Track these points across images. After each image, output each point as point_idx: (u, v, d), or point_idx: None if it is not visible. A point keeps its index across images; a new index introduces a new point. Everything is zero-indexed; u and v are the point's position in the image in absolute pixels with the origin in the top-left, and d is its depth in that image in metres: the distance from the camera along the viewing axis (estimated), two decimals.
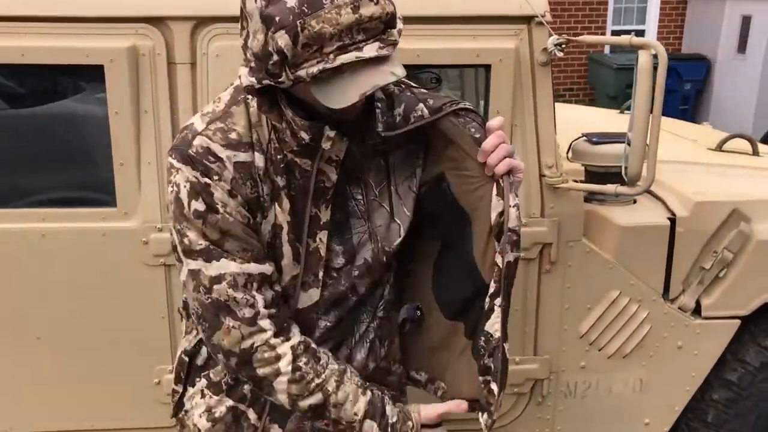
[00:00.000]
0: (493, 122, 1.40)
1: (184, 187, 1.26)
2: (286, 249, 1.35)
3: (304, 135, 1.28)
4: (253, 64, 1.20)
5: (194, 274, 1.28)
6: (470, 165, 1.41)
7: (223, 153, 1.26)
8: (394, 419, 1.39)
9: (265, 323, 1.31)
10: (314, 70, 1.13)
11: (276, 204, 1.33)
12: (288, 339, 1.33)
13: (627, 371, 2.39)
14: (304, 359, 1.33)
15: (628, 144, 2.10)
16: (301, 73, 1.15)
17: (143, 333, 2.18)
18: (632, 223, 2.24)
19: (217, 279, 1.27)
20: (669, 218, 2.28)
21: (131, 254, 2.11)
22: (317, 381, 1.33)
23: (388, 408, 1.40)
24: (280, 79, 1.17)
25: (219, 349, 1.31)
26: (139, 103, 2.02)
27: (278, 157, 1.32)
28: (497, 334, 1.42)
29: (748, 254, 2.29)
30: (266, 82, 1.19)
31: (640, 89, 1.88)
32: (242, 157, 1.28)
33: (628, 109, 3.85)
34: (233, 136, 1.29)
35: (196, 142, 1.27)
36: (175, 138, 1.32)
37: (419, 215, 1.52)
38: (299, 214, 1.34)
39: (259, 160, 1.30)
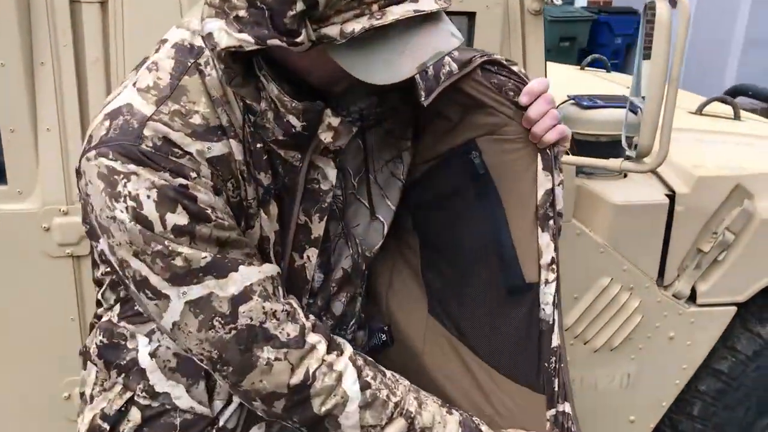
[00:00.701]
0: (536, 84, 1.09)
1: (148, 197, 0.88)
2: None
3: (295, 121, 0.93)
4: (243, 13, 0.83)
5: (203, 303, 0.93)
6: (510, 129, 1.12)
7: (191, 146, 0.91)
8: None
9: (314, 338, 0.98)
10: (354, 27, 0.79)
11: (262, 209, 0.99)
12: (342, 351, 1.02)
13: (614, 366, 2.13)
14: (369, 372, 1.02)
15: (632, 110, 1.80)
16: (331, 31, 0.80)
17: (49, 339, 1.77)
18: (628, 201, 1.95)
19: (244, 296, 0.93)
20: (667, 195, 2.01)
21: (29, 243, 1.68)
22: (394, 399, 1.02)
23: (484, 429, 1.09)
24: (297, 40, 0.81)
25: (257, 394, 0.99)
26: (33, 52, 1.58)
27: (257, 146, 0.97)
28: (557, 342, 1.12)
29: (749, 235, 2.05)
30: (274, 42, 0.82)
31: (658, 46, 1.56)
32: (217, 149, 0.93)
33: (590, 65, 3.58)
34: (197, 120, 0.93)
35: (148, 132, 0.90)
36: (98, 127, 0.92)
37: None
38: (285, 222, 1.01)
39: (237, 150, 0.95)
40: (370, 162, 1.14)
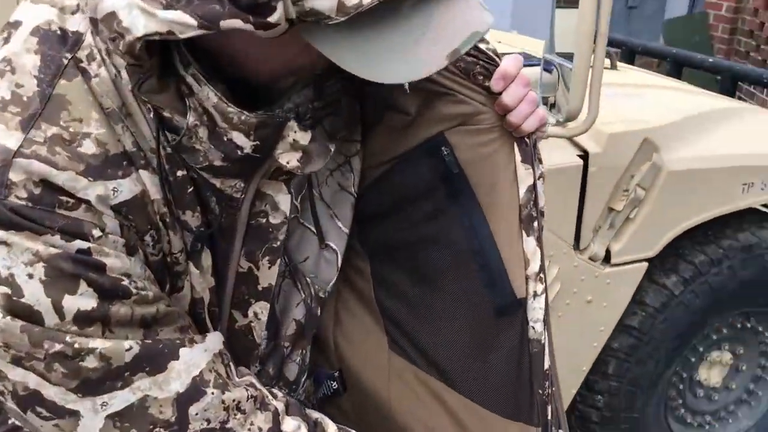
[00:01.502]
0: (509, 65, 0.88)
1: (30, 277, 0.60)
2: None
3: (243, 141, 0.67)
4: None
5: (135, 414, 0.67)
6: (484, 118, 0.91)
7: (88, 190, 0.61)
8: None
9: (292, 424, 0.75)
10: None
11: (192, 263, 0.72)
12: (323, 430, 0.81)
13: None
14: None
15: (546, 69, 1.66)
16: (323, 3, 0.55)
17: None
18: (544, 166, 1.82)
19: (193, 391, 0.68)
20: (578, 156, 1.90)
21: None
22: None
23: None
24: (271, 19, 0.55)
25: None
26: None
27: (178, 173, 0.69)
28: (548, 363, 0.95)
29: (658, 189, 2.00)
30: (232, 23, 0.56)
31: None
32: (125, 189, 0.64)
33: None
34: (89, 148, 0.63)
35: (16, 175, 0.60)
36: None
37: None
38: (221, 272, 0.75)
39: (153, 186, 0.67)
40: (313, 174, 0.89)
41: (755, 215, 2.25)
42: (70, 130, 0.63)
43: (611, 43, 4.02)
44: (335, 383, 1.00)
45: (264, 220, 0.76)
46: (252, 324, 0.80)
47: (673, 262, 2.20)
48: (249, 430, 0.71)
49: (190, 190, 0.70)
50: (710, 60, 3.72)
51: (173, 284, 0.73)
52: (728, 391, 2.54)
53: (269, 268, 0.78)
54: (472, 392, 0.94)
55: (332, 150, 0.75)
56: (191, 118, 0.66)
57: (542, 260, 0.96)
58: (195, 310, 0.75)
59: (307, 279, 0.89)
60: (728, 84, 3.46)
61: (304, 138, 0.70)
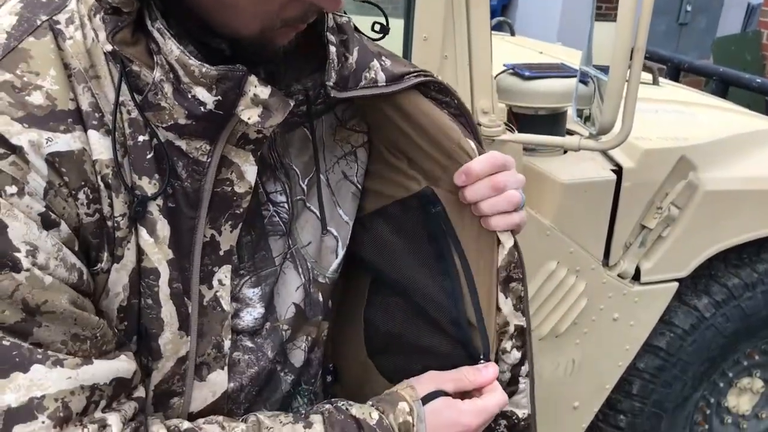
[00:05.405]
0: (476, 164, 0.87)
1: None
2: (167, 312, 0.72)
3: (205, 95, 0.67)
4: None
5: None
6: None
7: (21, 136, 0.62)
8: (375, 416, 0.81)
9: None
10: None
11: (141, 232, 0.69)
12: None
13: (559, 353, 2.00)
14: None
15: (582, 81, 1.64)
16: None
17: None
18: (576, 179, 1.80)
19: (25, 412, 0.61)
20: (612, 170, 1.88)
21: None
22: None
23: (354, 410, 0.81)
24: None
25: None
26: None
27: (140, 138, 0.68)
28: (526, 413, 0.93)
29: (693, 208, 1.96)
30: None
31: (624, 8, 1.39)
32: (63, 142, 0.64)
33: (493, 28, 3.43)
34: (36, 98, 0.64)
35: None
36: None
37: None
38: (184, 244, 0.72)
39: (99, 145, 0.66)
40: (321, 158, 0.89)
41: None
42: (24, 79, 0.64)
43: (656, 59, 3.96)
44: (330, 377, 1.02)
45: (229, 189, 0.74)
46: (218, 293, 0.77)
47: (705, 283, 2.15)
48: None
49: (150, 155, 0.69)
50: (758, 80, 3.63)
51: (112, 252, 0.69)
52: (758, 420, 2.47)
53: (231, 231, 0.76)
54: None
55: (291, 105, 0.73)
56: (157, 73, 0.67)
57: (527, 323, 0.94)
58: (147, 281, 0.71)
59: (308, 264, 0.89)
60: None
61: (263, 92, 0.69)
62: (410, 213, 0.92)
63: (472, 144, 0.88)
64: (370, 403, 0.83)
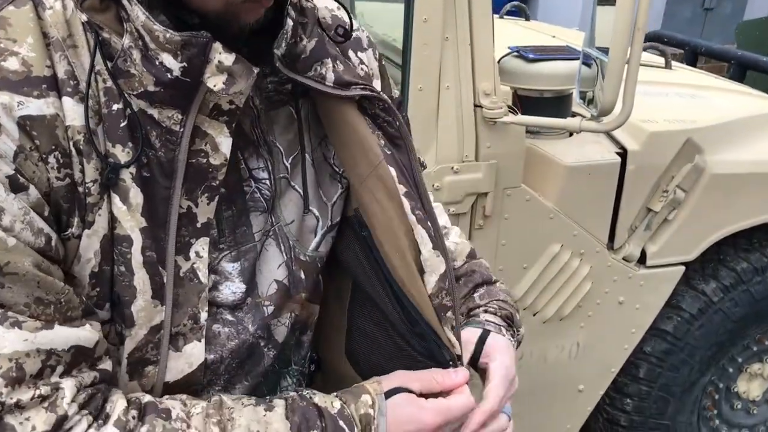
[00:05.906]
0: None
1: None
2: (139, 279, 0.73)
3: (171, 62, 0.69)
4: None
5: None
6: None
7: None
8: (337, 406, 0.81)
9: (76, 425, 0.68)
10: None
11: (114, 199, 0.71)
12: (107, 417, 0.71)
13: (563, 335, 2.01)
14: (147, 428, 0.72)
15: (585, 63, 1.64)
16: None
17: None
18: (580, 161, 1.80)
19: None
20: (617, 153, 1.87)
21: None
22: None
23: (317, 398, 0.81)
24: None
25: None
26: None
27: (114, 107, 0.70)
28: None
29: (699, 191, 1.95)
30: None
31: None
32: (35, 107, 0.66)
33: (509, 13, 3.41)
34: (11, 64, 0.66)
35: None
36: None
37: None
38: (159, 214, 0.73)
39: (72, 112, 0.68)
40: (306, 137, 0.90)
41: None
42: (0, 45, 0.66)
43: (674, 43, 3.91)
44: (313, 365, 1.03)
45: (204, 160, 0.75)
46: (195, 265, 0.77)
47: (713, 268, 2.14)
48: (21, 424, 0.65)
49: (123, 124, 0.70)
50: None
51: (83, 217, 0.70)
52: None
53: (208, 204, 0.76)
54: None
55: (255, 72, 0.74)
56: (126, 40, 0.69)
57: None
58: (116, 252, 0.72)
59: (290, 242, 0.89)
60: None
61: (228, 59, 0.70)
62: (347, 232, 0.93)
63: (393, 173, 0.86)
64: (335, 393, 0.84)
